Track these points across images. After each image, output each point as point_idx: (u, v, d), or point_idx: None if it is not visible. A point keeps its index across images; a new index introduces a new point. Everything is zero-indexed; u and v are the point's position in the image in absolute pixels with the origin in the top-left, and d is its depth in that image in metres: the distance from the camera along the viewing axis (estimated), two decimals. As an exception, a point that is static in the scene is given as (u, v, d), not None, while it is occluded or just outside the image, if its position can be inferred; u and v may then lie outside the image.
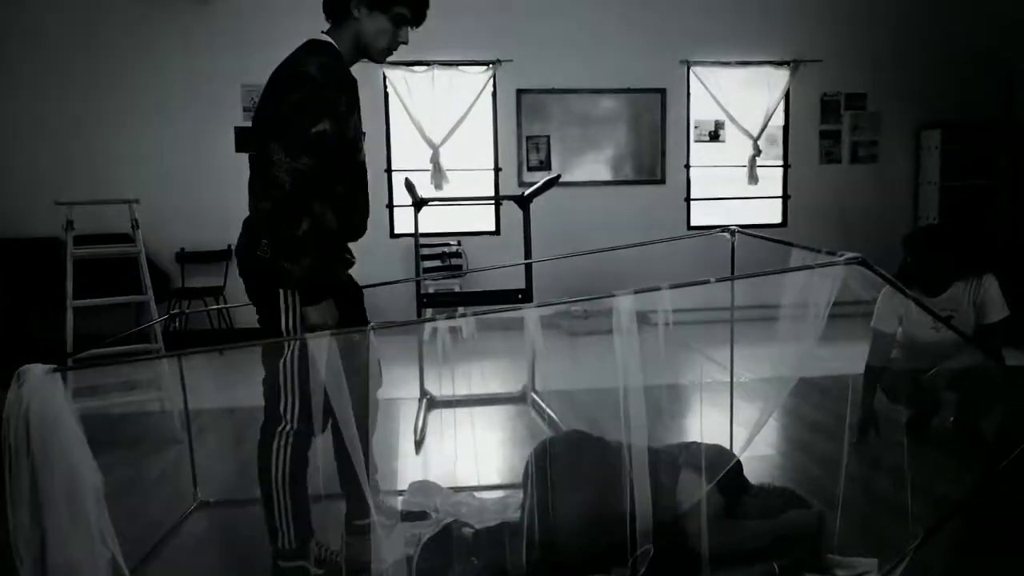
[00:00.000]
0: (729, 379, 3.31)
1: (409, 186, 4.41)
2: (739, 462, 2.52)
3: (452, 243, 6.79)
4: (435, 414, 4.32)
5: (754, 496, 2.59)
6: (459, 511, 2.88)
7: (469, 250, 6.82)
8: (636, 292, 2.05)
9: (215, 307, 6.03)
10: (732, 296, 3.12)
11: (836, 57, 7.30)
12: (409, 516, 2.83)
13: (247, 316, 2.58)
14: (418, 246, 4.59)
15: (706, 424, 3.68)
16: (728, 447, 2.83)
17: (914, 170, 7.57)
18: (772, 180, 7.49)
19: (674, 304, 2.09)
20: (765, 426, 2.48)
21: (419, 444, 3.91)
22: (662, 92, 7.17)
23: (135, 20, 6.45)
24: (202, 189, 6.59)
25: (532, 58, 6.89)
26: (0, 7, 6.29)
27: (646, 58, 7.07)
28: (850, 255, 2.07)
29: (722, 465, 2.42)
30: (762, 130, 7.19)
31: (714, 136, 7.37)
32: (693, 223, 7.34)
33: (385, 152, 6.90)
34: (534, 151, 7.09)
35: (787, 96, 7.33)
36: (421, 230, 4.55)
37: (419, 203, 4.40)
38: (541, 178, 4.56)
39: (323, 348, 1.96)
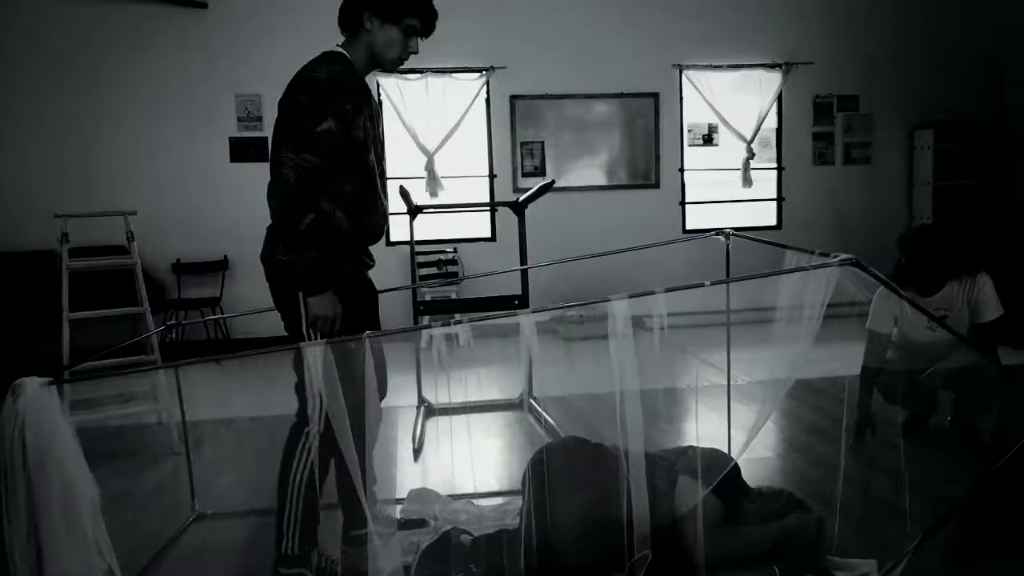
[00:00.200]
0: (726, 382, 3.31)
1: (404, 194, 4.41)
2: (737, 466, 2.52)
3: (448, 250, 6.79)
4: (433, 421, 4.31)
5: (753, 501, 2.59)
6: (457, 518, 2.88)
7: (465, 257, 6.82)
8: (631, 296, 2.06)
9: (211, 318, 6.02)
10: (728, 299, 3.13)
11: (828, 59, 7.32)
12: (407, 524, 2.83)
13: (243, 326, 2.58)
14: (414, 253, 4.59)
15: (703, 428, 3.68)
16: (726, 450, 2.83)
17: (907, 171, 7.60)
18: (766, 183, 7.51)
19: (670, 308, 2.10)
20: (762, 428, 2.48)
21: (417, 452, 3.91)
22: (655, 96, 7.19)
23: (131, 32, 6.46)
24: (197, 200, 6.62)
25: (525, 64, 6.91)
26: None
27: (639, 62, 7.10)
28: (844, 256, 2.07)
29: (719, 469, 2.41)
30: (755, 133, 7.22)
31: (708, 139, 7.39)
32: (688, 227, 7.36)
33: (380, 160, 6.90)
34: (528, 157, 7.10)
35: (780, 99, 7.36)
36: (416, 237, 4.55)
37: (414, 210, 4.40)
38: (536, 184, 4.56)
39: (317, 356, 1.96)
